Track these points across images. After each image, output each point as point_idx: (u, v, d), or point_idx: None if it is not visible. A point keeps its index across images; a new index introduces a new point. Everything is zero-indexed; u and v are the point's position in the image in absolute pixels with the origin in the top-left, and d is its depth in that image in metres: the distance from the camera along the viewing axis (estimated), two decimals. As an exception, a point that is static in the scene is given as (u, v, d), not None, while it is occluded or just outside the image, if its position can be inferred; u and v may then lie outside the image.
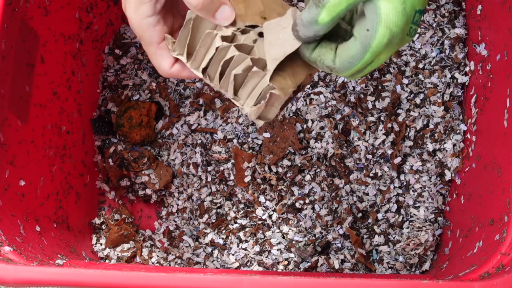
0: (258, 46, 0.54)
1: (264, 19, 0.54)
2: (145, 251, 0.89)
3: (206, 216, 0.89)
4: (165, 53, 0.58)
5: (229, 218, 0.89)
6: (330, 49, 0.52)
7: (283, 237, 0.87)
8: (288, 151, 0.87)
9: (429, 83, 0.87)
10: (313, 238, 0.86)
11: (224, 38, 0.53)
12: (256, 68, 0.53)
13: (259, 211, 0.88)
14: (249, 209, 0.89)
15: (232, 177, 0.89)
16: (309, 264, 0.84)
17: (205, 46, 0.55)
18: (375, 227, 0.85)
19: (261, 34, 0.54)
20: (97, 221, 0.90)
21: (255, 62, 0.53)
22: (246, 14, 0.54)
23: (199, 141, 0.90)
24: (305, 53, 0.53)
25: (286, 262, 0.86)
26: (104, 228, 0.90)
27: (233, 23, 0.54)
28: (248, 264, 0.87)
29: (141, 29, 0.57)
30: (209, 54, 0.55)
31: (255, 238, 0.88)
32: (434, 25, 0.87)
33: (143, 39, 0.58)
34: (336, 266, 0.84)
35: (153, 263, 0.88)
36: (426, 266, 0.83)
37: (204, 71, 0.55)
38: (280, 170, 0.87)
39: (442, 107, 0.86)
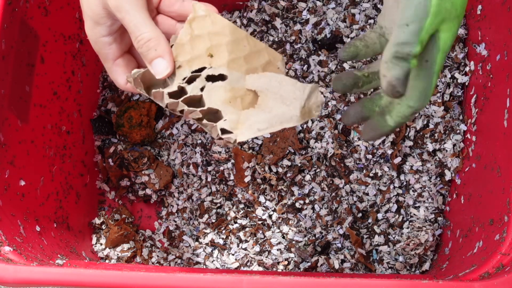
0: (206, 93, 0.53)
1: (211, 56, 0.54)
2: (145, 251, 0.89)
3: (206, 216, 0.89)
4: (120, 69, 0.58)
5: (229, 218, 0.89)
6: (390, 101, 0.53)
7: (283, 237, 0.87)
8: (288, 151, 0.87)
9: (429, 83, 0.87)
10: (313, 238, 0.86)
11: (171, 95, 0.53)
12: (205, 121, 0.53)
13: (259, 211, 0.88)
14: (249, 209, 0.89)
15: (232, 177, 0.89)
16: (309, 264, 0.84)
17: (157, 98, 0.55)
18: (375, 227, 0.85)
19: (209, 78, 0.54)
20: (97, 221, 0.90)
21: (204, 113, 0.53)
22: (192, 57, 0.54)
23: (199, 141, 0.90)
24: (385, 127, 0.54)
25: (286, 262, 0.86)
26: (104, 228, 0.90)
27: (176, 73, 0.53)
28: (248, 264, 0.87)
29: (97, 47, 0.58)
30: (162, 103, 0.54)
31: (255, 238, 0.88)
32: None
33: (100, 55, 0.58)
34: (336, 266, 0.84)
35: (153, 263, 0.88)
36: (426, 266, 0.83)
37: (166, 107, 0.55)
38: (280, 170, 0.87)
39: (442, 107, 0.86)
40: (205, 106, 0.53)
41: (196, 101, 0.54)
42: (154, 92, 0.53)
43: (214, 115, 0.54)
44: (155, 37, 0.54)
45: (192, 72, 0.54)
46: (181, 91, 0.53)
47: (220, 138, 0.54)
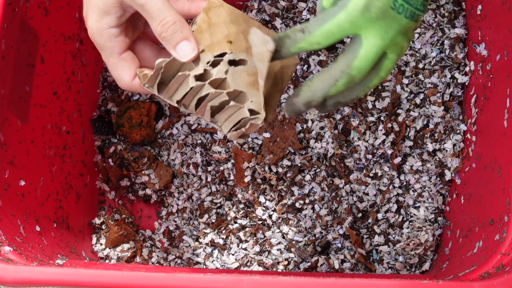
0: (230, 76, 0.54)
1: (230, 43, 0.55)
2: (145, 251, 0.89)
3: (206, 216, 0.89)
4: (126, 64, 0.56)
5: (229, 218, 0.89)
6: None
7: (283, 237, 0.87)
8: (288, 151, 0.87)
9: (429, 83, 0.87)
10: (313, 238, 0.86)
11: (197, 77, 0.54)
12: (233, 103, 0.54)
13: (259, 211, 0.88)
14: (249, 209, 0.89)
15: (232, 177, 0.89)
16: (309, 264, 0.84)
17: (177, 82, 0.55)
18: (375, 227, 0.85)
19: (231, 62, 0.55)
20: (97, 221, 0.90)
21: (230, 95, 0.54)
22: (213, 43, 0.55)
23: (199, 141, 0.90)
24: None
25: (286, 262, 0.86)
26: (104, 228, 0.90)
27: (200, 57, 0.54)
28: (248, 264, 0.87)
29: (102, 39, 0.56)
30: (182, 90, 0.55)
31: (255, 238, 0.88)
32: (434, 25, 0.88)
33: (104, 49, 0.56)
34: (336, 266, 0.84)
35: (153, 263, 0.88)
36: (426, 266, 0.83)
37: (178, 102, 0.56)
38: (280, 170, 0.87)
39: (442, 107, 0.86)
40: (231, 88, 0.54)
41: (219, 85, 0.54)
42: (180, 75, 0.53)
43: (237, 98, 0.55)
44: (179, 20, 0.54)
45: (214, 57, 0.54)
46: (205, 75, 0.54)
47: (238, 129, 0.55)
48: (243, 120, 0.55)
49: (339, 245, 0.85)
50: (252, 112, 0.55)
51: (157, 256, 0.89)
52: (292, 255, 0.86)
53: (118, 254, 0.88)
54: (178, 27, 0.53)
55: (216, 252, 0.88)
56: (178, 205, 0.91)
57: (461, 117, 0.86)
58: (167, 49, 0.54)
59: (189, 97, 0.55)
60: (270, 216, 0.88)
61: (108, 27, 0.55)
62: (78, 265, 0.68)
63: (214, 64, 0.54)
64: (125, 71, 0.56)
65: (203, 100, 0.55)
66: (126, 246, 0.89)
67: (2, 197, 0.71)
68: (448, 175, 0.85)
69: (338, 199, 0.86)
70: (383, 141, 0.87)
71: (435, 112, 0.86)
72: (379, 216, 0.86)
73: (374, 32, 0.50)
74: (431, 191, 0.85)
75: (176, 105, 0.56)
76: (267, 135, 0.88)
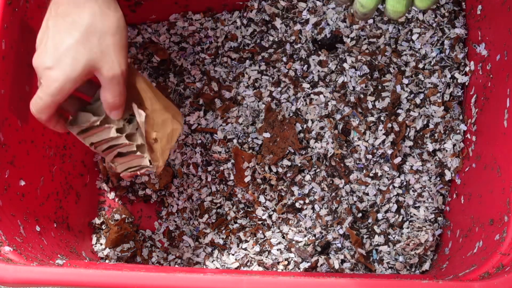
0: (139, 131, 0.70)
1: (141, 105, 0.70)
2: (145, 251, 0.89)
3: (206, 216, 0.89)
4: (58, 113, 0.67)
5: (229, 218, 0.89)
6: None
7: (283, 237, 0.87)
8: (288, 151, 0.87)
9: (429, 83, 0.87)
10: (313, 238, 0.86)
11: (117, 130, 0.69)
12: (139, 153, 0.70)
13: (259, 211, 0.88)
14: (249, 209, 0.89)
15: (232, 177, 0.89)
16: (309, 264, 0.84)
17: (98, 130, 0.69)
18: (375, 227, 0.85)
19: (136, 121, 0.70)
20: (97, 221, 0.90)
21: (138, 147, 0.70)
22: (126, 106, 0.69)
23: (199, 141, 0.90)
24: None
25: (286, 262, 0.86)
26: (104, 228, 0.90)
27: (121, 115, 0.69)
28: (248, 264, 0.87)
29: (66, 90, 0.63)
30: (100, 137, 0.69)
31: (255, 238, 0.88)
32: (434, 25, 0.88)
33: (56, 92, 0.63)
34: (336, 266, 0.84)
35: (153, 263, 0.88)
36: (426, 266, 0.83)
37: (92, 143, 0.70)
38: (280, 170, 0.87)
39: (442, 107, 0.86)
40: (139, 142, 0.70)
41: (131, 138, 0.70)
42: (105, 126, 0.68)
43: (140, 148, 0.71)
44: (124, 94, 0.67)
45: (130, 115, 0.69)
46: (121, 129, 0.69)
47: (133, 171, 0.72)
48: (141, 166, 0.71)
49: (339, 245, 0.85)
50: (150, 162, 0.71)
51: (157, 256, 0.89)
52: (292, 255, 0.86)
53: (118, 254, 0.88)
54: (121, 100, 0.66)
55: (216, 252, 0.88)
56: (178, 205, 0.91)
57: (461, 117, 0.86)
58: (105, 108, 0.66)
59: (104, 142, 0.69)
60: (270, 216, 0.88)
61: (74, 86, 0.63)
62: (78, 265, 0.68)
63: (129, 121, 0.70)
64: (52, 112, 0.65)
65: (114, 146, 0.70)
66: (126, 246, 0.89)
67: (2, 197, 0.70)
68: (448, 175, 0.85)
69: (338, 199, 0.86)
70: (383, 141, 0.87)
71: (435, 112, 0.86)
72: (379, 216, 0.86)
73: None
74: (431, 191, 0.85)
75: (86, 144, 0.70)
76: (267, 135, 0.88)
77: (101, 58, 0.62)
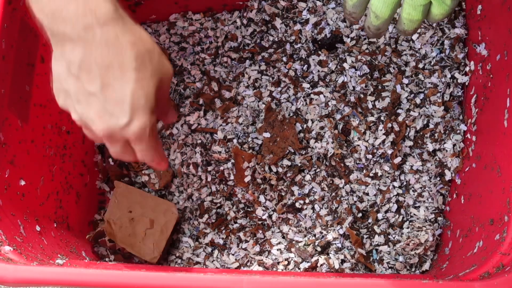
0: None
1: (130, 212, 0.86)
2: (145, 251, 0.89)
3: (206, 216, 0.89)
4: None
5: (229, 218, 0.89)
6: None
7: (283, 237, 0.87)
8: (288, 151, 0.87)
9: (429, 83, 0.87)
10: (313, 238, 0.86)
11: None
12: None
13: (259, 211, 0.88)
14: (249, 209, 0.89)
15: (232, 177, 0.89)
16: (309, 264, 0.84)
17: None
18: (375, 227, 0.85)
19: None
20: (97, 217, 0.90)
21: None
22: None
23: (199, 141, 0.90)
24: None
25: (286, 262, 0.86)
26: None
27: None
28: (248, 264, 0.87)
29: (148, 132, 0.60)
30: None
31: (255, 238, 0.88)
32: (434, 25, 0.88)
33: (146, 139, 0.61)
34: (336, 266, 0.84)
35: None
36: (426, 266, 0.83)
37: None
38: (280, 170, 0.87)
39: (442, 107, 0.86)
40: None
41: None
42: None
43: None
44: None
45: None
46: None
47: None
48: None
49: (339, 245, 0.85)
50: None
51: (157, 256, 0.88)
52: (292, 255, 0.86)
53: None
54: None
55: (216, 252, 0.88)
56: (178, 205, 0.91)
57: (461, 117, 0.86)
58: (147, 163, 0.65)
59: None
60: (270, 216, 0.88)
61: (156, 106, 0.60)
62: (78, 265, 0.68)
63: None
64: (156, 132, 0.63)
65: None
66: (126, 246, 0.89)
67: (2, 197, 0.71)
68: (448, 175, 0.85)
69: (338, 199, 0.86)
70: (383, 141, 0.87)
71: (435, 112, 0.86)
72: (379, 216, 0.86)
73: None
74: (431, 191, 0.85)
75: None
76: (267, 135, 0.88)
77: (161, 70, 0.59)
